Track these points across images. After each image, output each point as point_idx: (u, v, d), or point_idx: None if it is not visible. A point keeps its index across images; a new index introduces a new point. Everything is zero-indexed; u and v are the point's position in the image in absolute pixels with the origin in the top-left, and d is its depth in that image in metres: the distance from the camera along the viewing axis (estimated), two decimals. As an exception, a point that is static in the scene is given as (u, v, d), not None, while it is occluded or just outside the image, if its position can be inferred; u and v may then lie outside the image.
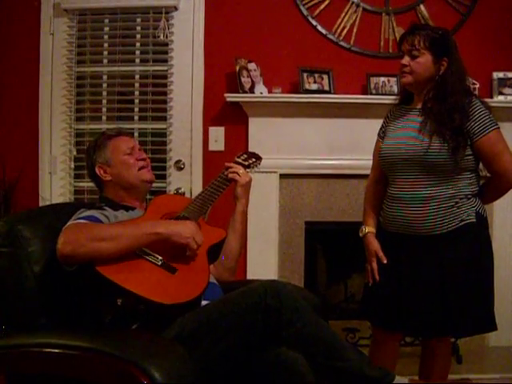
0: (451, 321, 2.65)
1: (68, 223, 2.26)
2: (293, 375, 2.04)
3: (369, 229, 2.87)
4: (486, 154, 2.64)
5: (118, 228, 2.26)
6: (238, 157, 2.83)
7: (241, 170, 2.70)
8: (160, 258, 2.26)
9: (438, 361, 2.84)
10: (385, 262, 2.77)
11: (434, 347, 2.84)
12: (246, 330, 2.09)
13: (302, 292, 2.61)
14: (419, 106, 2.75)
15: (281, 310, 2.07)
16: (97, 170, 2.61)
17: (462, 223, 2.65)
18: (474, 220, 2.67)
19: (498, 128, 2.65)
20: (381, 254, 2.79)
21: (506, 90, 4.10)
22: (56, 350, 1.93)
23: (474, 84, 3.96)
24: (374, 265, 2.79)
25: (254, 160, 2.83)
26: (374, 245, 2.82)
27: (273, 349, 2.09)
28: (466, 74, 2.74)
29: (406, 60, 2.70)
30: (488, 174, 2.74)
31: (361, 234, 2.89)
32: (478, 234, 2.71)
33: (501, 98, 4.09)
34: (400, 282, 2.72)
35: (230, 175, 2.68)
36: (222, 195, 2.63)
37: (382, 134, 2.88)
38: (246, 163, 2.80)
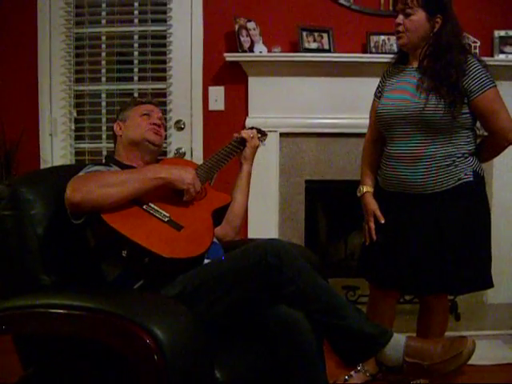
0: (448, 278, 2.70)
1: (76, 175, 2.30)
2: (293, 332, 2.08)
3: (366, 188, 2.90)
4: (484, 112, 2.66)
5: (125, 174, 2.32)
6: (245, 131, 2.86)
7: (251, 134, 2.76)
8: (167, 214, 2.30)
9: (435, 317, 2.89)
10: (382, 221, 2.80)
11: (431, 303, 2.89)
12: (247, 287, 2.13)
13: (302, 250, 2.66)
14: (415, 64, 2.76)
15: (281, 268, 2.10)
16: (114, 126, 2.70)
17: (460, 182, 2.67)
18: (472, 179, 2.69)
19: (495, 86, 2.66)
20: (378, 213, 2.82)
21: (508, 49, 4.09)
22: (61, 311, 1.96)
23: (474, 42, 3.96)
24: (371, 224, 2.83)
25: (259, 136, 2.85)
26: (372, 204, 2.85)
27: (273, 306, 2.13)
28: (462, 30, 2.75)
29: (399, 19, 2.70)
30: (485, 133, 2.75)
31: (359, 194, 2.92)
32: (476, 192, 2.74)
33: (502, 56, 4.08)
34: (397, 240, 2.75)
35: (245, 135, 2.73)
36: (230, 162, 2.67)
37: (379, 94, 2.89)
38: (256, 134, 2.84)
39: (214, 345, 2.02)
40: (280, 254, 2.13)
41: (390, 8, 4.07)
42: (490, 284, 2.79)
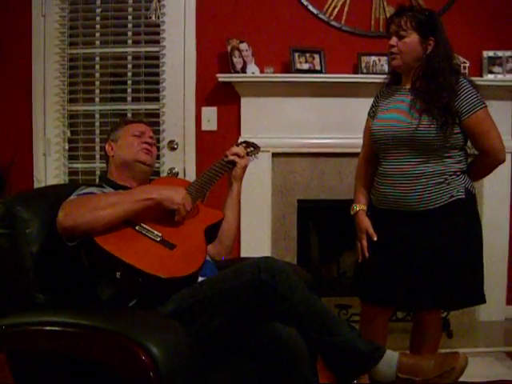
0: (442, 293, 2.72)
1: (69, 198, 2.32)
2: (286, 348, 2.08)
3: (360, 206, 2.93)
4: (474, 132, 2.70)
5: (115, 196, 2.34)
6: (237, 145, 2.88)
7: (241, 153, 2.77)
8: (159, 234, 2.32)
9: (428, 332, 2.90)
10: (375, 239, 2.83)
11: (424, 319, 2.90)
12: (240, 305, 2.14)
13: (295, 268, 2.68)
14: (408, 85, 2.80)
15: (274, 285, 2.12)
16: (106, 146, 2.71)
17: (452, 199, 2.71)
18: (464, 196, 2.73)
19: (486, 107, 2.70)
20: (371, 231, 2.84)
21: (496, 69, 4.15)
22: (56, 328, 1.97)
23: (464, 63, 4.02)
24: (364, 242, 2.85)
25: (252, 149, 2.87)
26: (365, 222, 2.88)
27: (268, 324, 2.14)
28: (453, 53, 2.80)
29: (393, 40, 2.75)
30: (476, 152, 2.79)
31: (352, 212, 2.94)
32: (467, 209, 2.77)
33: (490, 76, 4.14)
34: (391, 257, 2.78)
35: (231, 157, 2.74)
36: (219, 180, 2.68)
37: (372, 114, 2.93)
38: (245, 151, 2.85)
39: (207, 362, 2.04)
40: (273, 271, 2.15)
41: (381, 29, 4.15)
42: (482, 299, 2.81)
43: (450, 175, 2.72)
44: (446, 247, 2.70)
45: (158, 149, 4.25)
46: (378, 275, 2.80)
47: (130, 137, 2.67)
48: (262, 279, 2.12)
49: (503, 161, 2.76)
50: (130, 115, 4.29)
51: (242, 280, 2.16)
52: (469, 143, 2.77)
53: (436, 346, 2.94)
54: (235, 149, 2.78)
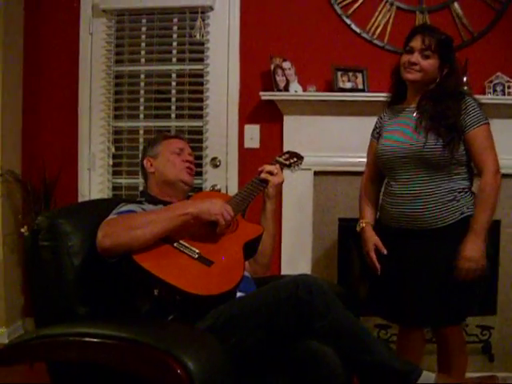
0: (452, 309, 2.74)
1: (108, 217, 2.35)
2: (323, 367, 2.08)
3: (366, 221, 2.96)
4: (475, 147, 2.72)
5: (151, 214, 2.37)
6: (280, 156, 2.89)
7: (275, 171, 2.75)
8: (197, 251, 2.33)
9: (452, 351, 2.88)
10: (385, 252, 2.84)
11: (446, 338, 2.89)
12: (277, 322, 2.15)
13: (333, 286, 2.68)
14: (413, 104, 2.82)
15: (312, 303, 2.12)
16: (144, 162, 2.73)
17: (462, 215, 2.74)
18: (471, 212, 2.74)
19: (489, 124, 2.75)
20: (380, 244, 2.87)
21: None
22: (94, 340, 2.00)
23: (508, 81, 3.96)
24: (373, 254, 2.86)
25: (295, 160, 2.88)
26: (373, 236, 2.91)
27: (304, 341, 2.14)
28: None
29: (416, 57, 2.77)
30: None
31: (358, 228, 2.96)
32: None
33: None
34: (401, 275, 2.80)
35: (263, 175, 2.74)
36: (256, 198, 2.70)
37: (377, 135, 2.98)
38: (288, 162, 2.87)
39: (242, 377, 2.04)
40: (311, 288, 2.15)
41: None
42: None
43: (459, 192, 2.75)
44: (451, 265, 2.70)
45: (201, 165, 4.30)
46: (390, 293, 2.82)
47: (170, 154, 2.70)
48: (299, 296, 2.13)
49: (500, 182, 2.73)
50: (173, 132, 4.34)
51: (279, 297, 2.17)
52: None
53: (464, 364, 2.92)
54: (268, 167, 2.77)
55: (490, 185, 2.69)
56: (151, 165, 2.71)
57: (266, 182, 2.73)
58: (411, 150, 2.73)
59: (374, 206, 3.01)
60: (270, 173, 2.74)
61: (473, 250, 2.65)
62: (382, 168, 2.91)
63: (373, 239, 2.90)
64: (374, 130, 3.03)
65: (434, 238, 2.73)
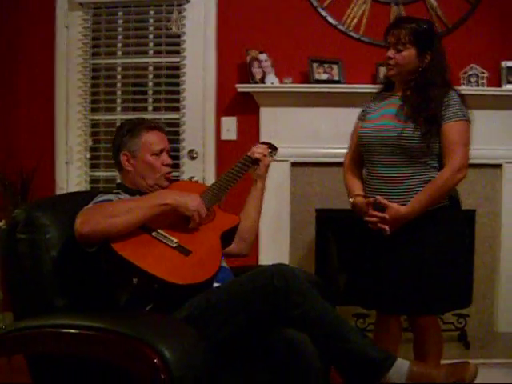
0: (426, 298, 2.77)
1: (86, 206, 2.36)
2: (298, 355, 2.11)
3: (355, 193, 2.93)
4: (447, 140, 2.73)
5: (130, 202, 2.39)
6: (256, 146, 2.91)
7: (265, 152, 2.81)
8: (175, 240, 2.36)
9: (428, 338, 2.91)
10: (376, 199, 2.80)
11: (422, 326, 2.93)
12: (253, 311, 2.18)
13: (309, 275, 2.70)
14: (399, 93, 2.86)
15: (287, 291, 2.15)
16: (120, 157, 2.63)
17: (436, 206, 2.75)
18: (448, 202, 2.78)
19: (469, 122, 2.76)
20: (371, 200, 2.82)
21: (514, 79, 4.14)
22: (72, 331, 2.01)
23: (482, 73, 4.02)
24: (372, 210, 2.79)
25: (270, 150, 2.90)
26: (363, 202, 2.86)
27: (280, 330, 2.17)
28: (448, 67, 2.83)
29: (391, 53, 2.80)
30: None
31: (351, 200, 2.94)
32: (452, 215, 2.83)
33: (509, 86, 4.11)
34: (378, 262, 2.83)
35: (257, 155, 2.78)
36: (240, 181, 2.72)
37: (363, 117, 2.98)
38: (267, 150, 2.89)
39: (219, 365, 2.07)
40: (287, 278, 2.18)
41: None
42: (468, 303, 2.87)
43: None
44: (430, 253, 2.75)
45: (178, 158, 4.31)
46: (368, 280, 2.86)
47: (150, 156, 2.61)
48: (275, 285, 2.16)
49: (458, 180, 2.74)
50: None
51: (255, 286, 2.20)
52: None
53: (440, 351, 2.96)
54: (260, 148, 2.82)
55: (445, 181, 2.70)
56: (128, 161, 2.63)
57: (255, 162, 2.78)
58: (389, 136, 2.76)
59: (360, 180, 2.98)
60: (262, 153, 2.79)
61: (399, 209, 2.71)
62: (361, 151, 2.94)
63: (365, 201, 2.84)
64: (360, 112, 3.05)
65: (407, 226, 2.74)
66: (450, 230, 2.81)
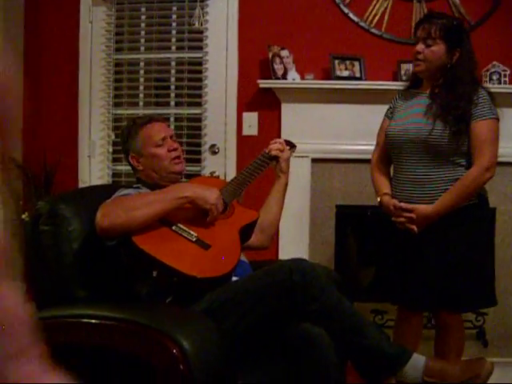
0: (450, 296, 2.77)
1: (106, 201, 2.40)
2: (315, 349, 2.14)
3: (383, 192, 2.91)
4: (475, 138, 2.72)
5: (149, 196, 2.42)
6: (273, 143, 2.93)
7: (282, 147, 2.81)
8: (195, 234, 2.39)
9: (450, 336, 2.90)
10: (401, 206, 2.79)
11: (445, 323, 2.92)
12: (271, 305, 2.20)
13: (327, 271, 2.72)
14: (428, 90, 2.83)
15: (305, 286, 2.17)
16: (130, 159, 2.69)
17: (465, 203, 2.74)
18: (476, 201, 2.78)
19: (497, 120, 2.74)
20: (398, 204, 2.80)
21: (537, 77, 4.12)
22: (93, 321, 2.06)
23: (504, 71, 4.00)
24: (403, 214, 2.79)
25: (288, 148, 2.91)
26: (391, 201, 2.84)
27: (297, 324, 2.20)
28: (477, 64, 2.84)
29: (420, 47, 2.78)
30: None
31: (378, 199, 2.94)
32: (480, 214, 2.83)
33: (532, 84, 4.10)
34: (406, 260, 2.83)
35: (274, 152, 2.78)
36: (259, 177, 2.75)
37: (390, 115, 2.97)
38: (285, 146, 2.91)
39: (237, 358, 2.10)
40: (305, 272, 2.20)
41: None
42: (492, 302, 2.89)
43: None
44: (457, 251, 2.75)
45: (200, 153, 4.34)
46: (392, 276, 2.87)
47: (153, 148, 2.63)
48: (293, 280, 2.18)
49: (487, 179, 2.74)
50: (172, 119, 4.38)
51: (273, 280, 2.22)
52: None
53: (461, 349, 2.96)
54: (277, 144, 2.81)
55: (473, 180, 2.70)
56: (138, 161, 2.66)
57: (274, 159, 2.79)
58: (418, 135, 2.74)
59: (388, 178, 2.97)
60: (279, 150, 2.79)
61: (426, 209, 2.71)
62: (389, 150, 2.93)
63: (391, 203, 2.82)
64: (388, 109, 3.04)
65: (436, 225, 2.74)
66: (478, 229, 2.81)
